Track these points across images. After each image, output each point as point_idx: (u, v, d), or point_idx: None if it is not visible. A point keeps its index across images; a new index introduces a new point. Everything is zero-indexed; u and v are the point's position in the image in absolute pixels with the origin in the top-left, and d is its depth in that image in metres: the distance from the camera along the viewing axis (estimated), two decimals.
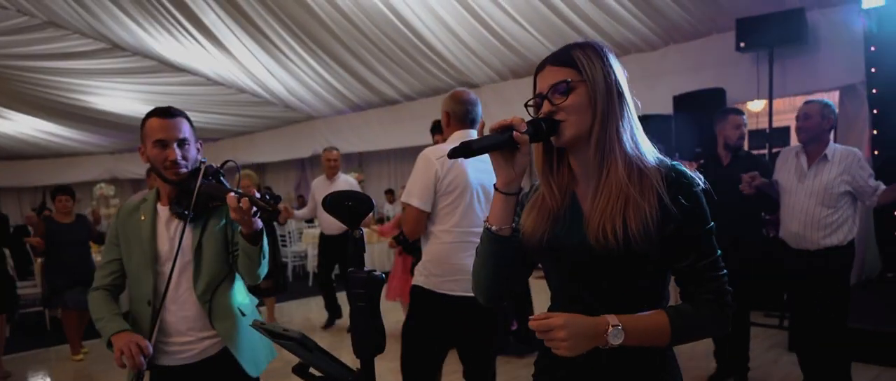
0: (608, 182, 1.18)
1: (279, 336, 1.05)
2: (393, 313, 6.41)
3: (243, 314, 2.00)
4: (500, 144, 1.16)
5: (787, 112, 7.03)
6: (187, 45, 7.82)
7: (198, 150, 1.98)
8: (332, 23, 6.64)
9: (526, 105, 1.27)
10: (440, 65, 7.21)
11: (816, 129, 3.23)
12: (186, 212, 1.80)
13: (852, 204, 3.24)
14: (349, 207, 1.08)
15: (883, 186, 3.17)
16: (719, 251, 1.22)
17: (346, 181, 5.70)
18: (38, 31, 7.92)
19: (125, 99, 10.03)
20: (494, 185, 1.24)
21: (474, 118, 2.58)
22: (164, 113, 1.92)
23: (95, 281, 2.00)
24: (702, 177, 1.23)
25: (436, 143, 3.05)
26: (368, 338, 1.05)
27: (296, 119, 10.57)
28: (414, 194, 2.46)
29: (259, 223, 1.75)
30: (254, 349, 2.00)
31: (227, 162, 2.00)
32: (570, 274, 1.27)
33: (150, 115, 1.94)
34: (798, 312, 3.46)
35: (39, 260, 5.74)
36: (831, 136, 3.35)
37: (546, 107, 1.22)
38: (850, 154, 3.20)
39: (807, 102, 3.34)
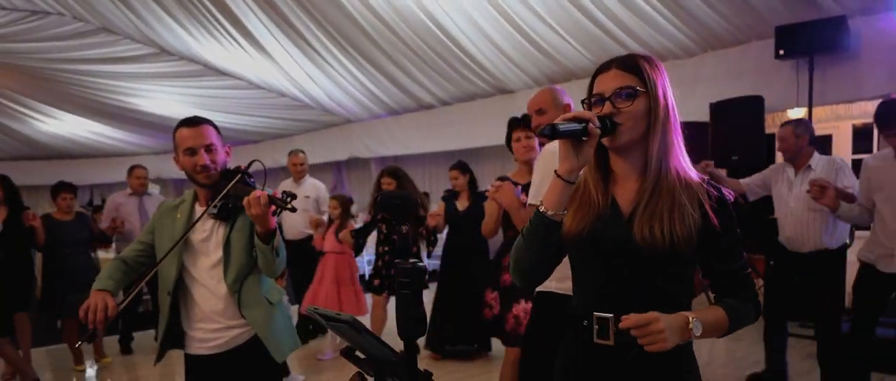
0: (659, 187, 1.28)
1: (332, 320, 1.16)
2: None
3: (271, 303, 2.14)
4: (578, 132, 1.24)
5: (828, 120, 6.94)
6: (231, 49, 8.08)
7: (226, 153, 2.14)
8: (370, 28, 6.80)
9: (582, 102, 1.36)
10: (476, 71, 7.30)
11: (794, 148, 3.66)
12: (223, 209, 1.95)
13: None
14: (397, 205, 1.20)
15: (857, 209, 3.40)
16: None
17: (314, 185, 5.82)
18: (91, 36, 8.30)
19: (170, 102, 10.39)
20: (556, 171, 1.30)
21: None
22: (191, 122, 2.08)
23: (122, 254, 2.19)
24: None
25: (515, 138, 3.16)
26: (412, 322, 1.15)
27: (333, 122, 10.79)
28: (541, 191, 2.44)
29: (274, 223, 1.87)
30: (279, 337, 2.13)
31: (252, 162, 2.14)
32: (605, 268, 1.34)
33: (178, 126, 2.10)
34: (775, 303, 3.86)
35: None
36: (813, 148, 3.71)
37: (607, 108, 1.30)
38: (832, 162, 3.61)
39: (782, 126, 3.79)
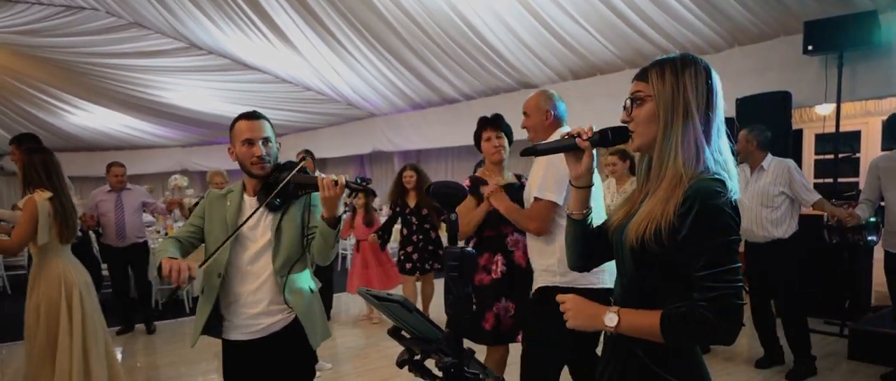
0: (658, 189, 1.33)
1: (384, 300, 1.24)
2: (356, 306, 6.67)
3: (311, 291, 2.26)
4: (563, 148, 1.43)
5: (857, 116, 6.86)
6: (258, 43, 8.22)
7: (278, 146, 2.25)
8: (396, 23, 6.87)
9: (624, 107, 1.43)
10: (500, 65, 7.35)
11: (744, 151, 4.13)
12: (276, 201, 2.05)
13: (791, 205, 4.11)
14: (447, 193, 1.28)
15: (818, 197, 4.05)
16: (736, 264, 1.25)
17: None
18: (123, 30, 8.50)
19: (198, 95, 10.59)
20: (569, 179, 1.47)
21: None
22: (251, 116, 2.18)
23: (175, 234, 2.26)
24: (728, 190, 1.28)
25: (485, 137, 3.19)
26: (460, 303, 1.22)
27: (357, 116, 10.91)
28: (551, 187, 2.50)
29: (341, 208, 1.97)
30: (315, 325, 2.24)
31: (304, 155, 2.25)
32: (619, 261, 1.46)
33: (238, 118, 2.19)
34: (754, 292, 4.32)
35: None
36: (765, 152, 4.15)
37: (624, 115, 1.40)
38: (782, 164, 4.08)
39: (739, 131, 4.27)
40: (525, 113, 2.84)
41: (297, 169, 2.05)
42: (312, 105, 10.56)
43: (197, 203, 6.07)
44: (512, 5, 6.08)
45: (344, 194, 1.93)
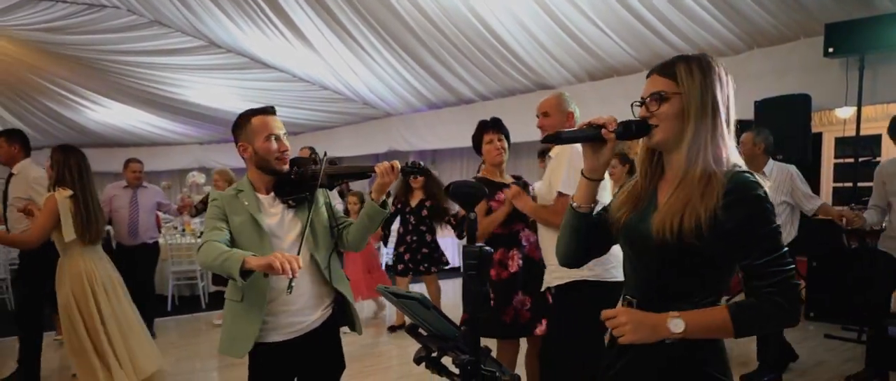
0: (684, 184, 1.34)
1: (403, 297, 1.25)
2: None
3: (347, 278, 2.32)
4: (589, 137, 1.38)
5: (878, 120, 6.77)
6: (276, 42, 8.28)
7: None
8: (414, 23, 6.89)
9: (632, 105, 1.44)
10: (517, 66, 7.34)
11: (750, 153, 4.02)
12: (307, 194, 2.09)
13: (791, 212, 4.08)
14: (467, 193, 1.29)
15: (820, 202, 4.01)
16: (785, 249, 1.31)
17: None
18: (143, 29, 8.59)
19: (217, 93, 10.68)
20: (581, 170, 1.45)
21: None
22: (270, 111, 2.18)
23: (204, 237, 2.06)
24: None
25: (487, 139, 3.26)
26: (477, 299, 1.24)
27: (373, 116, 10.95)
28: (573, 183, 2.58)
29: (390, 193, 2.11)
30: (354, 310, 2.30)
31: (310, 151, 2.31)
32: (636, 257, 1.44)
33: (255, 113, 2.15)
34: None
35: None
36: (768, 157, 4.13)
37: (643, 111, 1.39)
38: (784, 171, 4.03)
39: (744, 131, 4.13)
40: (545, 113, 2.87)
41: (324, 161, 2.13)
42: (329, 104, 10.62)
43: (203, 201, 6.11)
44: (529, 6, 6.07)
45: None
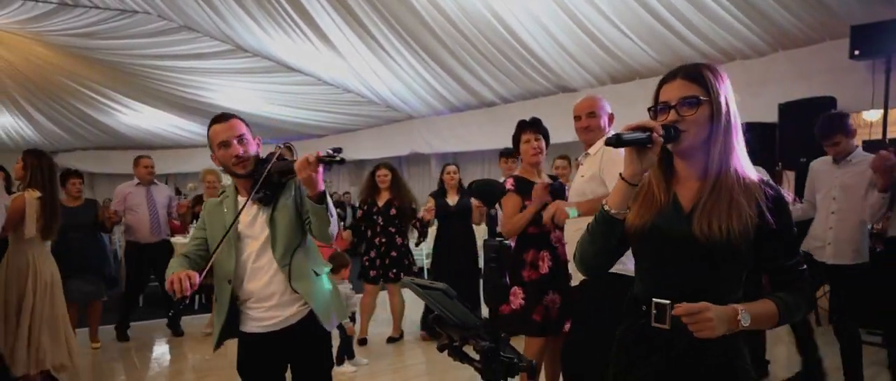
0: (718, 186, 1.40)
1: (426, 287, 1.32)
2: None
3: (317, 275, 2.30)
4: (643, 141, 1.37)
5: None
6: (301, 45, 8.42)
7: (257, 145, 2.27)
8: (436, 26, 6.98)
9: (649, 109, 1.48)
10: (539, 69, 7.38)
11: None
12: (267, 192, 2.11)
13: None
14: (487, 190, 1.36)
15: (801, 205, 3.86)
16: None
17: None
18: (173, 33, 8.81)
19: (243, 96, 10.88)
20: (620, 174, 1.44)
21: None
22: (222, 118, 2.22)
23: (183, 251, 2.29)
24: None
25: (525, 139, 3.33)
26: (497, 291, 1.30)
27: (396, 118, 11.06)
28: None
29: (322, 185, 1.98)
30: (327, 306, 2.29)
31: (285, 145, 2.32)
32: (665, 259, 1.47)
33: (211, 124, 2.23)
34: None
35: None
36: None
37: (672, 116, 1.42)
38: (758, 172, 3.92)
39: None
40: (592, 113, 2.86)
41: (275, 157, 2.08)
42: (352, 107, 10.76)
43: (196, 200, 6.03)
44: (550, 8, 6.11)
45: (321, 169, 1.92)
